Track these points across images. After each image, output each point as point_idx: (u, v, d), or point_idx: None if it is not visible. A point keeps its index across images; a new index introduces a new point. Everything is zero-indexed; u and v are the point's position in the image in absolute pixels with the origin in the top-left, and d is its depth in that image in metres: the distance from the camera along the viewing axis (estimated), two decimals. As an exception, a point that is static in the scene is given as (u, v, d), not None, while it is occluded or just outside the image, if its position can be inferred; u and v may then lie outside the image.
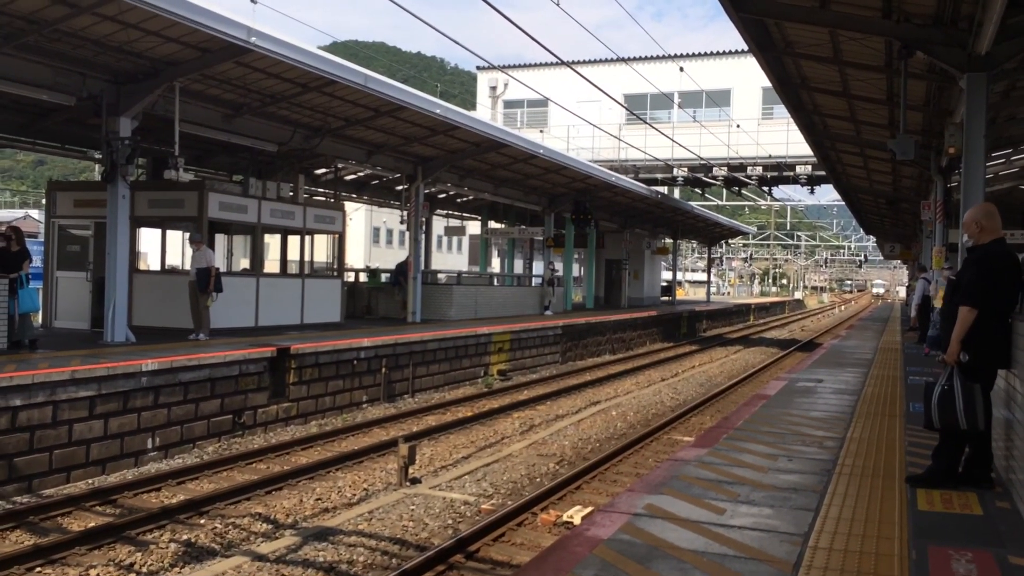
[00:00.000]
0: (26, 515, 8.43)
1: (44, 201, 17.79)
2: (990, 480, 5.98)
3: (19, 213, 44.33)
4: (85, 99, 13.10)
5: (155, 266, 22.74)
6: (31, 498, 9.22)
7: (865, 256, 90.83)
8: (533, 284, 30.47)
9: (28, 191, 68.62)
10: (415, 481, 10.09)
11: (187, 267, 15.59)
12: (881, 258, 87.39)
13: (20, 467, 9.37)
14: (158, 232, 19.45)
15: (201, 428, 11.85)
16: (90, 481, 10.02)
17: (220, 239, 20.30)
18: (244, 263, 24.14)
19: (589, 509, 8.80)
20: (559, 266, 29.89)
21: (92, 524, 8.29)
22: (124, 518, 8.37)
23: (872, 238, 65.75)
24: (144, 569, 7.16)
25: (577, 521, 8.30)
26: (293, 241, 20.24)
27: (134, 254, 16.57)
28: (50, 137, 16.95)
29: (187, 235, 16.61)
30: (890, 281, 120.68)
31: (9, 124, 15.72)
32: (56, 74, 12.63)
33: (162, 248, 19.58)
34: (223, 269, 17.90)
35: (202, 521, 8.57)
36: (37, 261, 17.17)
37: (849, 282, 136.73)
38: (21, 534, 8.08)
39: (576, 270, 39.18)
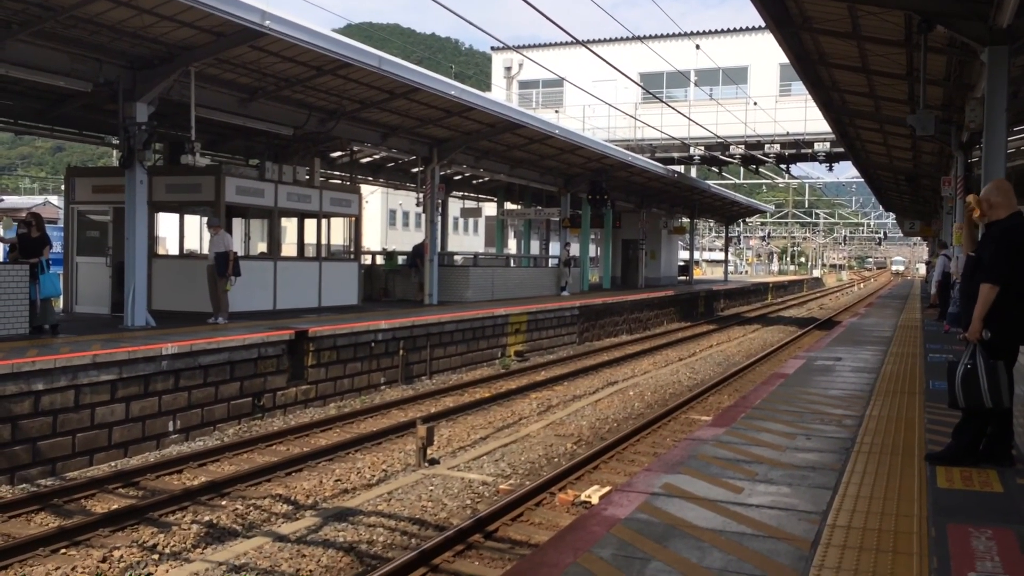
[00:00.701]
0: (50, 497, 8.56)
1: (63, 187, 17.90)
2: (1011, 457, 5.93)
3: (39, 199, 44.72)
4: (102, 85, 13.15)
5: (174, 251, 22.90)
6: (55, 481, 9.35)
7: (885, 233, 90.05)
8: (550, 265, 30.43)
9: (47, 177, 69.15)
10: (433, 462, 10.15)
11: (205, 251, 15.67)
12: (901, 235, 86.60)
13: (44, 450, 9.49)
14: (176, 217, 19.58)
15: (221, 411, 11.96)
16: (113, 464, 10.15)
17: (237, 223, 20.41)
18: (261, 247, 24.26)
19: (607, 489, 8.83)
20: (575, 247, 29.82)
21: (115, 506, 8.40)
22: (147, 500, 8.48)
23: (892, 215, 65.20)
24: (167, 550, 7.25)
25: (595, 501, 8.33)
26: (310, 224, 20.31)
27: (153, 239, 16.69)
28: (68, 123, 17.05)
29: (205, 220, 16.70)
30: (910, 258, 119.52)
31: (28, 111, 15.81)
32: (73, 60, 12.68)
33: (180, 233, 19.70)
34: (241, 253, 18.00)
35: (223, 503, 8.66)
36: (57, 247, 17.33)
37: (871, 259, 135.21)
38: (46, 516, 8.20)
39: (593, 250, 39.07)
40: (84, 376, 9.98)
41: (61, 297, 16.83)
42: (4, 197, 45.57)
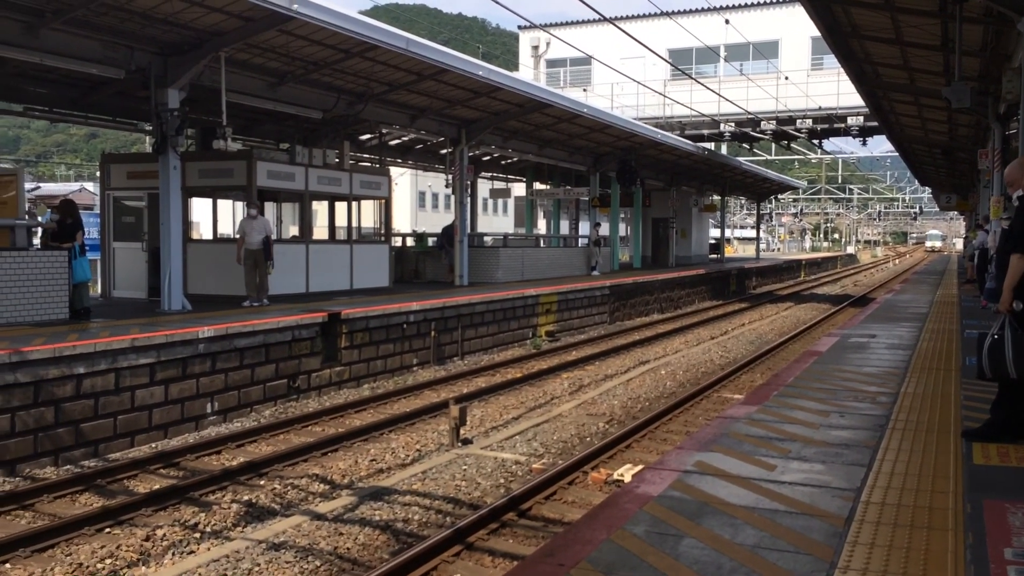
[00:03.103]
0: (94, 478, 8.77)
1: (98, 174, 18.15)
2: (1049, 433, 5.87)
3: (74, 186, 45.34)
4: (133, 72, 13.30)
5: (207, 235, 23.15)
6: (98, 462, 9.57)
7: (920, 208, 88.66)
8: (579, 245, 30.38)
9: (82, 164, 70.07)
10: (466, 442, 10.23)
11: (237, 236, 15.80)
12: (937, 210, 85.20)
13: (86, 432, 9.71)
14: (209, 202, 19.79)
15: (257, 392, 12.13)
16: (153, 445, 10.36)
17: (269, 207, 20.58)
18: (293, 230, 24.47)
19: (639, 467, 8.86)
20: (604, 227, 29.70)
21: (157, 486, 8.58)
22: (187, 480, 8.66)
23: (927, 189, 64.19)
24: (208, 529, 7.41)
25: (627, 479, 8.36)
26: (340, 207, 20.43)
27: (187, 224, 16.89)
28: (101, 110, 17.25)
29: (238, 204, 16.85)
30: (947, 232, 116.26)
31: (62, 98, 16.03)
32: (105, 48, 12.83)
33: (213, 217, 19.93)
34: (273, 237, 18.14)
35: (262, 482, 8.81)
36: (93, 233, 17.59)
37: (914, 235, 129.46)
38: (90, 496, 8.40)
39: (622, 229, 38.88)
40: (124, 359, 10.17)
41: (99, 282, 17.12)
42: (40, 184, 46.28)
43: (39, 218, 17.64)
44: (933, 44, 14.07)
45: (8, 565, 6.65)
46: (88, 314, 12.65)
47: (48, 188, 43.28)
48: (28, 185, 30.71)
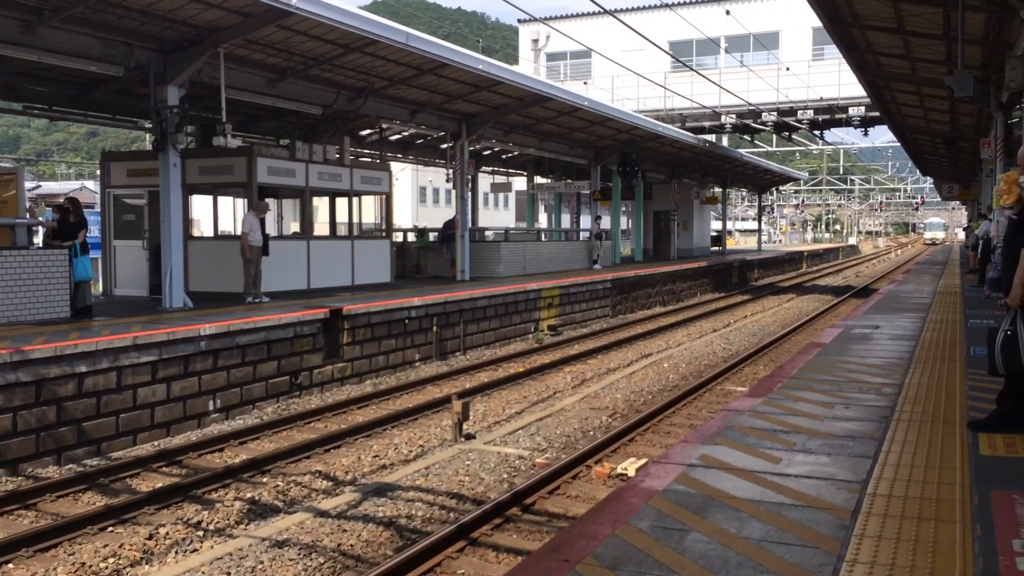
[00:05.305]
0: (96, 477, 8.75)
1: (99, 172, 18.12)
2: (1056, 423, 5.83)
3: (75, 184, 45.28)
4: (133, 69, 13.25)
5: (208, 232, 23.10)
6: (100, 461, 9.55)
7: (922, 198, 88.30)
8: (581, 238, 30.33)
9: (83, 162, 70.02)
10: (470, 437, 10.21)
11: (238, 232, 15.71)
12: (939, 199, 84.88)
13: (89, 431, 9.69)
14: (209, 199, 19.75)
15: (260, 389, 12.11)
16: (156, 443, 10.34)
17: (270, 204, 20.54)
18: (294, 227, 24.42)
19: (643, 461, 8.84)
20: (606, 220, 29.62)
21: (160, 484, 8.57)
22: (190, 478, 8.64)
23: (929, 179, 64.08)
24: (211, 527, 7.39)
25: (632, 473, 8.33)
26: (341, 203, 20.40)
27: (187, 221, 16.86)
28: (101, 108, 17.20)
29: (237, 200, 16.79)
30: (949, 222, 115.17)
31: (61, 97, 15.98)
32: (104, 45, 12.78)
33: (214, 214, 19.90)
34: (274, 233, 18.14)
35: (265, 479, 8.80)
36: (95, 231, 17.56)
37: (923, 225, 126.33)
38: (93, 495, 8.38)
39: (624, 222, 38.80)
40: (125, 358, 10.15)
41: (100, 280, 17.09)
42: (41, 183, 46.26)
43: (39, 217, 17.63)
44: (935, 33, 14.02)
45: (11, 565, 6.64)
46: (90, 312, 12.63)
47: (49, 187, 43.23)
48: (28, 184, 30.71)
